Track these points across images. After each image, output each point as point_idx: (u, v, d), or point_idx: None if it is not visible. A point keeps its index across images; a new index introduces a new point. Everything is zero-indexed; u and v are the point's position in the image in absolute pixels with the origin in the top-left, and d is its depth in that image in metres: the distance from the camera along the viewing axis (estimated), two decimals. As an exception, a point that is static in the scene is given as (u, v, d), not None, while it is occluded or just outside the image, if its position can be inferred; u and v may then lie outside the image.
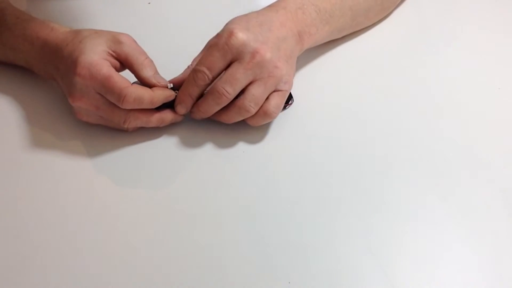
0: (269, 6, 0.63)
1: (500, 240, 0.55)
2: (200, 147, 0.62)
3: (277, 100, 0.60)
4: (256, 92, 0.58)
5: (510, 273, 0.53)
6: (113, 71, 0.57)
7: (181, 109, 0.61)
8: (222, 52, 0.58)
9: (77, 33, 0.60)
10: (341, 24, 0.68)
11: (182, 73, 0.62)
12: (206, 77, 0.58)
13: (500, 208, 0.57)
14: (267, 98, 0.60)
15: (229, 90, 0.58)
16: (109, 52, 0.59)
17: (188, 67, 0.62)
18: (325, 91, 0.68)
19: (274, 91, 0.60)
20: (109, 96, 0.57)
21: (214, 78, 0.59)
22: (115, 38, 0.59)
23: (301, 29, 0.63)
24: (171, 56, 0.68)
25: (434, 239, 0.55)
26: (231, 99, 0.59)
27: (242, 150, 0.62)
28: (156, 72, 0.60)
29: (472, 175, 0.60)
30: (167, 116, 0.61)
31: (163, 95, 0.59)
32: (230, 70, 0.58)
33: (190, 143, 0.62)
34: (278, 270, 0.53)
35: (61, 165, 0.60)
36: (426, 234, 0.56)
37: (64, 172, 0.60)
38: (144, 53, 0.60)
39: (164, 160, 0.61)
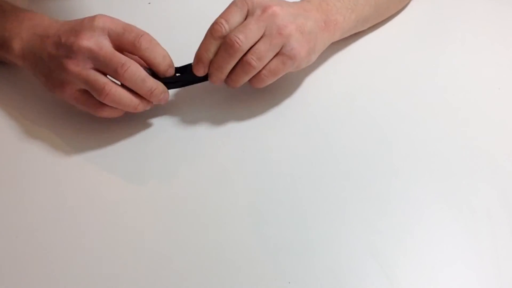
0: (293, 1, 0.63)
1: (501, 241, 0.55)
2: (200, 147, 0.62)
3: (272, 65, 0.60)
4: (261, 47, 0.58)
5: (510, 274, 0.53)
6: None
7: (199, 68, 0.60)
8: (240, 6, 0.59)
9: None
10: (366, 13, 0.69)
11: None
12: (223, 28, 0.58)
13: (500, 209, 0.57)
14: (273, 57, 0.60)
15: (241, 37, 0.57)
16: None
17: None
18: (329, 91, 0.68)
19: (278, 53, 0.60)
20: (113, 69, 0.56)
21: (229, 31, 0.59)
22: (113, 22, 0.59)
23: (326, 18, 0.63)
24: (171, 56, 0.68)
25: (434, 239, 0.55)
26: (242, 50, 0.58)
27: (242, 149, 0.62)
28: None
29: (472, 175, 0.60)
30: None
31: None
32: (243, 22, 0.59)
33: (190, 143, 0.62)
34: (278, 270, 0.53)
35: (58, 160, 0.60)
36: (426, 235, 0.56)
37: (61, 168, 0.60)
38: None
39: (164, 160, 0.61)
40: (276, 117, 0.64)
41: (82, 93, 0.58)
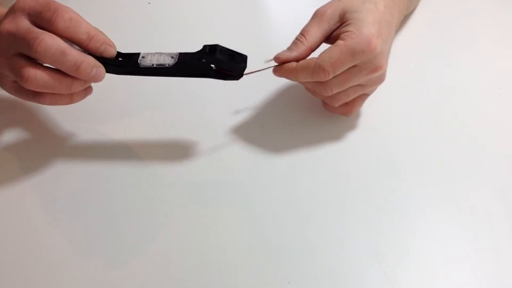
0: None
1: (501, 241, 0.55)
2: (201, 147, 0.62)
3: (361, 104, 0.61)
4: (351, 93, 0.58)
5: (510, 274, 0.53)
6: None
7: (278, 72, 0.57)
8: (356, 58, 0.54)
9: None
10: (409, 4, 0.68)
11: (294, 49, 0.57)
12: (328, 75, 0.55)
13: (500, 209, 0.57)
14: (356, 97, 0.60)
15: (334, 90, 0.57)
16: None
17: (299, 39, 0.57)
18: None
19: (363, 93, 0.60)
20: (46, 14, 0.51)
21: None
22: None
23: (398, 20, 0.62)
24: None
25: (434, 239, 0.55)
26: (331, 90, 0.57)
27: (242, 149, 0.62)
28: None
29: (472, 175, 0.60)
30: (89, 60, 0.53)
31: (80, 85, 0.53)
32: (347, 72, 0.56)
33: (190, 143, 0.62)
34: (278, 270, 0.53)
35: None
36: (426, 235, 0.56)
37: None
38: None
39: (164, 159, 0.61)
40: (276, 116, 0.64)
41: (17, 84, 0.54)
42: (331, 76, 0.55)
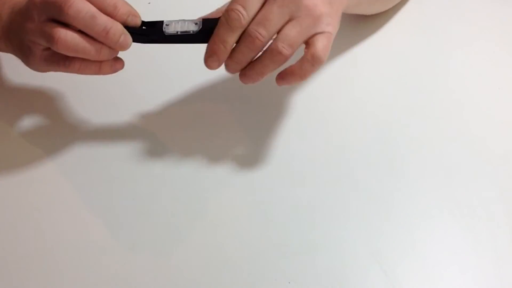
0: None
1: (501, 241, 0.55)
2: (201, 147, 0.62)
3: (323, 41, 0.52)
4: (290, 32, 0.51)
5: (510, 274, 0.53)
6: None
7: (213, 62, 0.53)
8: None
9: None
10: None
11: (210, 13, 0.55)
12: (242, 16, 0.51)
13: (500, 209, 0.57)
14: (311, 42, 0.52)
15: (262, 32, 0.51)
16: None
17: (217, 9, 0.56)
18: (331, 92, 0.67)
19: (316, 33, 0.52)
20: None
21: (250, 19, 0.52)
22: None
23: None
24: (171, 56, 0.68)
25: (434, 239, 0.55)
26: (266, 43, 0.52)
27: (242, 149, 0.62)
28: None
29: (472, 175, 0.60)
30: (118, 26, 0.53)
31: (109, 52, 0.54)
32: (263, 10, 0.51)
33: (191, 143, 0.62)
34: (278, 270, 0.53)
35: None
36: (426, 235, 0.56)
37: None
38: None
39: (164, 161, 0.61)
40: (277, 116, 0.64)
41: (47, 51, 0.54)
42: (245, 14, 0.51)
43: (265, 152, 0.61)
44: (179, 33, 0.54)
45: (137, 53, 0.56)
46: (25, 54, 0.56)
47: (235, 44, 0.53)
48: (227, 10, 0.52)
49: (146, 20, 0.55)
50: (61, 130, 0.63)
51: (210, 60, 0.54)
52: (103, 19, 0.52)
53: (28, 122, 0.64)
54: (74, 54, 0.53)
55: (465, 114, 0.65)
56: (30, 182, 0.59)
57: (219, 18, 0.53)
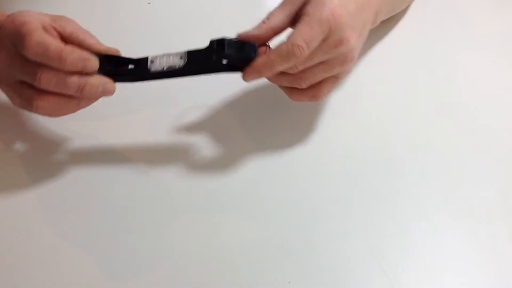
0: None
1: (501, 241, 0.55)
2: (201, 146, 0.62)
3: (330, 87, 0.57)
4: (318, 72, 0.55)
5: (510, 274, 0.53)
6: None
7: (252, 79, 0.54)
8: (323, 29, 0.52)
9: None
10: (395, 3, 0.67)
11: (255, 28, 0.55)
12: (302, 55, 0.52)
13: (500, 209, 0.57)
14: (321, 83, 0.56)
15: (306, 77, 0.54)
16: (51, 25, 0.53)
17: (263, 21, 0.55)
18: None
19: (331, 76, 0.56)
20: (18, 43, 0.50)
21: (306, 58, 0.53)
22: (57, 16, 0.55)
23: (377, 9, 0.59)
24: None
25: (434, 239, 0.55)
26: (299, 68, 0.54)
27: (243, 150, 0.62)
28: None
29: (472, 175, 0.60)
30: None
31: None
32: (316, 52, 0.53)
33: (191, 144, 0.62)
34: (278, 270, 0.53)
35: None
36: (426, 235, 0.56)
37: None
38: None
39: (164, 161, 0.61)
40: (277, 116, 0.64)
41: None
42: (306, 52, 0.52)
43: (265, 152, 0.61)
44: (165, 69, 0.54)
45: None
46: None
47: None
48: (292, 44, 0.52)
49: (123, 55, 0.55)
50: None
51: (251, 76, 0.54)
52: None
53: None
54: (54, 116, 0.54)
55: (465, 114, 0.65)
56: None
57: (203, 49, 0.53)
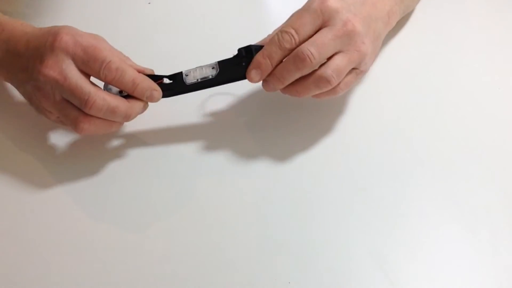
0: None
1: (500, 240, 0.55)
2: (201, 147, 0.62)
3: (351, 79, 0.56)
4: (341, 63, 0.54)
5: (510, 274, 0.53)
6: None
7: (256, 75, 0.55)
8: (314, 15, 0.54)
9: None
10: (408, 1, 0.67)
11: (261, 40, 0.57)
12: (293, 39, 0.53)
13: (500, 209, 0.57)
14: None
15: (314, 53, 0.53)
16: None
17: (269, 35, 0.58)
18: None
19: (352, 68, 0.56)
20: (93, 65, 0.53)
21: (300, 43, 0.54)
22: (93, 34, 0.56)
23: (390, 8, 0.60)
24: (171, 56, 0.68)
25: (434, 239, 0.55)
26: (315, 66, 0.54)
27: (243, 150, 0.62)
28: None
29: (472, 175, 0.60)
30: (137, 110, 0.56)
31: (140, 107, 0.56)
32: (318, 34, 0.54)
33: (191, 143, 0.62)
34: (278, 270, 0.53)
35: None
36: (426, 235, 0.56)
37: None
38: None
39: (164, 162, 0.61)
40: (278, 116, 0.64)
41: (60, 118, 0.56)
42: (297, 38, 0.53)
43: (266, 152, 0.61)
44: (199, 80, 0.57)
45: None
46: (37, 110, 0.56)
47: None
48: (281, 31, 0.54)
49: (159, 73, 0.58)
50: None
51: (253, 72, 0.56)
52: (121, 110, 0.54)
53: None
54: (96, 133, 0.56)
55: (465, 114, 0.65)
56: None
57: (233, 58, 0.57)
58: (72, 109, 0.53)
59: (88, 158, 0.61)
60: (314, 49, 0.53)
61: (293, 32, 0.54)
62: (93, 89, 0.53)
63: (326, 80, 0.54)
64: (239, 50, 0.56)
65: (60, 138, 0.62)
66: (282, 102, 0.62)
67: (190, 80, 0.57)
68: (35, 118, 0.59)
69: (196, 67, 0.58)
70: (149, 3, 0.75)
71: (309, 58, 0.53)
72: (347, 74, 0.56)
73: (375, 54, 0.59)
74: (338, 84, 0.55)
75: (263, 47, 0.55)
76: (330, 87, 0.55)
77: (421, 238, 0.55)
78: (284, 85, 0.56)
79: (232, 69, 0.57)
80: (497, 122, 0.64)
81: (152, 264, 0.54)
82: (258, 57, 0.55)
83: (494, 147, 0.62)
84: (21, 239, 0.56)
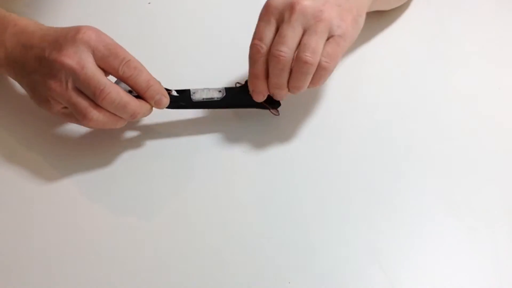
0: None
1: (501, 241, 0.55)
2: (200, 147, 0.62)
3: (328, 49, 0.55)
4: (308, 40, 0.55)
5: (510, 274, 0.53)
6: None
7: (257, 95, 0.59)
8: (266, 20, 0.56)
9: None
10: None
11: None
12: (260, 47, 0.56)
13: (500, 209, 0.57)
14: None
15: (282, 48, 0.54)
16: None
17: None
18: (331, 93, 0.67)
19: (328, 38, 0.56)
20: (115, 60, 0.54)
21: (270, 46, 0.56)
22: None
23: None
24: (171, 56, 0.68)
25: (434, 239, 0.55)
26: (289, 58, 0.55)
27: (243, 150, 0.62)
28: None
29: (472, 175, 0.60)
30: (146, 111, 0.57)
31: (147, 109, 0.57)
32: (279, 31, 0.56)
33: (190, 143, 0.62)
34: (278, 270, 0.53)
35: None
36: (426, 235, 0.56)
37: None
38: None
39: (164, 162, 0.61)
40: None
41: (67, 109, 0.56)
42: (264, 47, 0.55)
43: (266, 151, 0.61)
44: (204, 99, 0.60)
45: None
46: (39, 100, 0.56)
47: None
48: (250, 48, 0.57)
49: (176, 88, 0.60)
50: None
51: (254, 95, 0.59)
52: (132, 106, 0.55)
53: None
54: (97, 128, 0.57)
55: (465, 114, 0.65)
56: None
57: (240, 87, 0.61)
58: (83, 98, 0.54)
59: (91, 154, 0.61)
60: (280, 46, 0.55)
61: (257, 41, 0.56)
62: (109, 82, 0.54)
63: (303, 62, 0.54)
64: (246, 81, 0.59)
65: (62, 133, 0.62)
66: (283, 102, 0.62)
67: (196, 97, 0.60)
68: (38, 113, 0.60)
69: (204, 88, 0.60)
70: (149, 3, 0.75)
71: (281, 55, 0.55)
72: (325, 46, 0.55)
73: (352, 15, 0.57)
74: (320, 60, 0.55)
75: (249, 70, 0.57)
76: (313, 67, 0.55)
77: (421, 239, 0.55)
78: (285, 89, 0.58)
79: (237, 97, 0.60)
80: (497, 122, 0.64)
81: (150, 264, 0.54)
82: (249, 82, 0.58)
83: (494, 147, 0.62)
84: (28, 233, 0.56)
